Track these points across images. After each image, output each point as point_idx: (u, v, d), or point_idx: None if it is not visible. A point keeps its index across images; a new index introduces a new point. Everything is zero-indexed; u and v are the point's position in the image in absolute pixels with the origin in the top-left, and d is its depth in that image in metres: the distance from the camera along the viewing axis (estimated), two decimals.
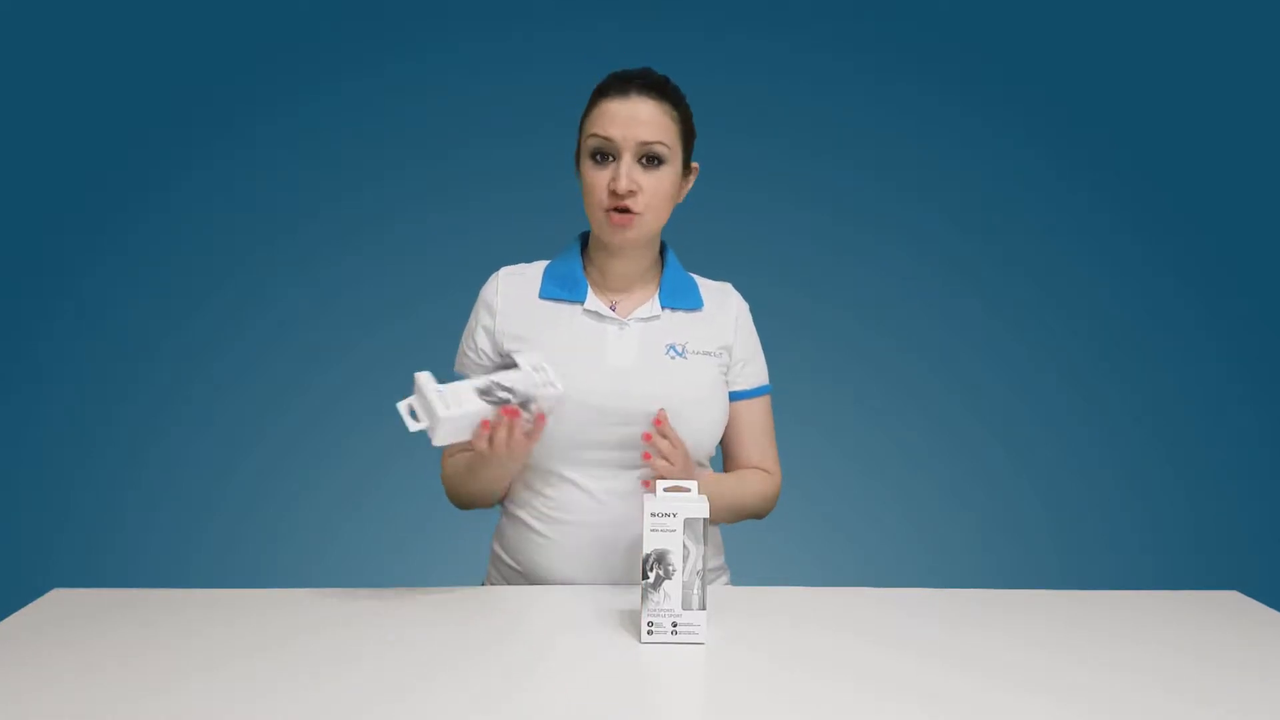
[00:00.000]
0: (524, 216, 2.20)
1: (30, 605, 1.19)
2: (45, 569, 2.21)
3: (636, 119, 1.23)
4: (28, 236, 2.28)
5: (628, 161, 1.23)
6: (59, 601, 1.20)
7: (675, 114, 1.26)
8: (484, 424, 1.13)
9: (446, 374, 1.37)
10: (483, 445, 1.15)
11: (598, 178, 1.25)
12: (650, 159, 1.24)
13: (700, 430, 1.29)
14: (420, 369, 1.15)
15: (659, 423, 1.22)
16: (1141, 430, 2.42)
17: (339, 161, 2.37)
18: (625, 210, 1.24)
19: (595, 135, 1.24)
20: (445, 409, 1.10)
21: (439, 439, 1.12)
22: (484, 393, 1.13)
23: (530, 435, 1.16)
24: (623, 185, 1.22)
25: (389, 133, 2.37)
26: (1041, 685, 0.99)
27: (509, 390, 1.13)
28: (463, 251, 2.22)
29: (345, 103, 2.36)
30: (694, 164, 1.33)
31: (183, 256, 2.34)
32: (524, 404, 1.14)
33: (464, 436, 1.14)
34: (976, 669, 1.02)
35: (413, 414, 1.14)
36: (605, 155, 1.24)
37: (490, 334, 1.32)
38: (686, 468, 1.24)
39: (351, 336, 2.36)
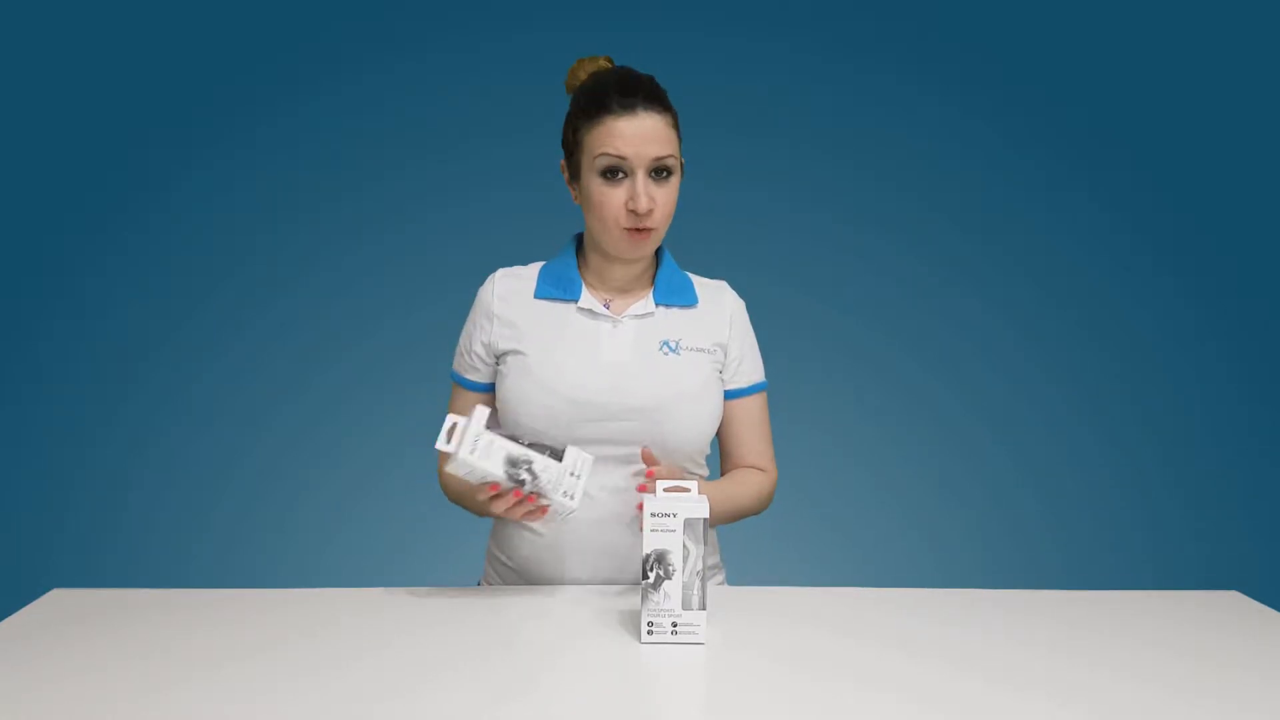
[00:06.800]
0: (523, 216, 2.20)
1: (30, 605, 1.19)
2: (45, 569, 2.21)
3: (646, 136, 1.23)
4: (28, 236, 2.28)
5: (642, 179, 1.24)
6: (59, 601, 1.20)
7: (673, 121, 1.28)
8: (492, 486, 1.15)
9: (445, 370, 1.38)
10: (482, 498, 1.17)
11: (612, 196, 1.25)
12: (660, 171, 1.25)
13: (693, 427, 1.30)
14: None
15: (646, 456, 1.22)
16: (1141, 430, 2.41)
17: (338, 161, 2.37)
18: (644, 227, 1.25)
19: (607, 154, 1.24)
20: (469, 452, 1.12)
21: (449, 467, 1.15)
22: (512, 463, 1.14)
23: (528, 514, 1.18)
24: (643, 205, 1.23)
25: (389, 133, 2.37)
26: (1041, 685, 0.99)
27: (534, 477, 1.15)
28: (462, 251, 2.21)
29: (345, 103, 2.36)
30: (681, 159, 1.34)
31: (183, 256, 2.34)
32: (538, 493, 1.16)
33: (471, 480, 1.17)
34: (976, 669, 1.02)
35: (449, 433, 1.15)
36: (617, 172, 1.25)
37: (487, 336, 1.33)
38: (673, 471, 1.25)
39: (351, 336, 2.36)
